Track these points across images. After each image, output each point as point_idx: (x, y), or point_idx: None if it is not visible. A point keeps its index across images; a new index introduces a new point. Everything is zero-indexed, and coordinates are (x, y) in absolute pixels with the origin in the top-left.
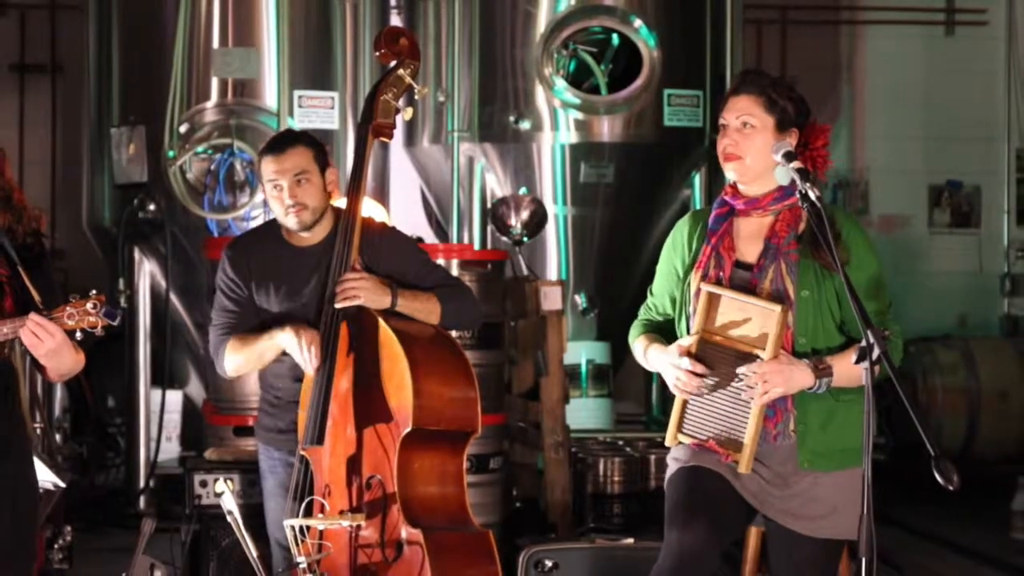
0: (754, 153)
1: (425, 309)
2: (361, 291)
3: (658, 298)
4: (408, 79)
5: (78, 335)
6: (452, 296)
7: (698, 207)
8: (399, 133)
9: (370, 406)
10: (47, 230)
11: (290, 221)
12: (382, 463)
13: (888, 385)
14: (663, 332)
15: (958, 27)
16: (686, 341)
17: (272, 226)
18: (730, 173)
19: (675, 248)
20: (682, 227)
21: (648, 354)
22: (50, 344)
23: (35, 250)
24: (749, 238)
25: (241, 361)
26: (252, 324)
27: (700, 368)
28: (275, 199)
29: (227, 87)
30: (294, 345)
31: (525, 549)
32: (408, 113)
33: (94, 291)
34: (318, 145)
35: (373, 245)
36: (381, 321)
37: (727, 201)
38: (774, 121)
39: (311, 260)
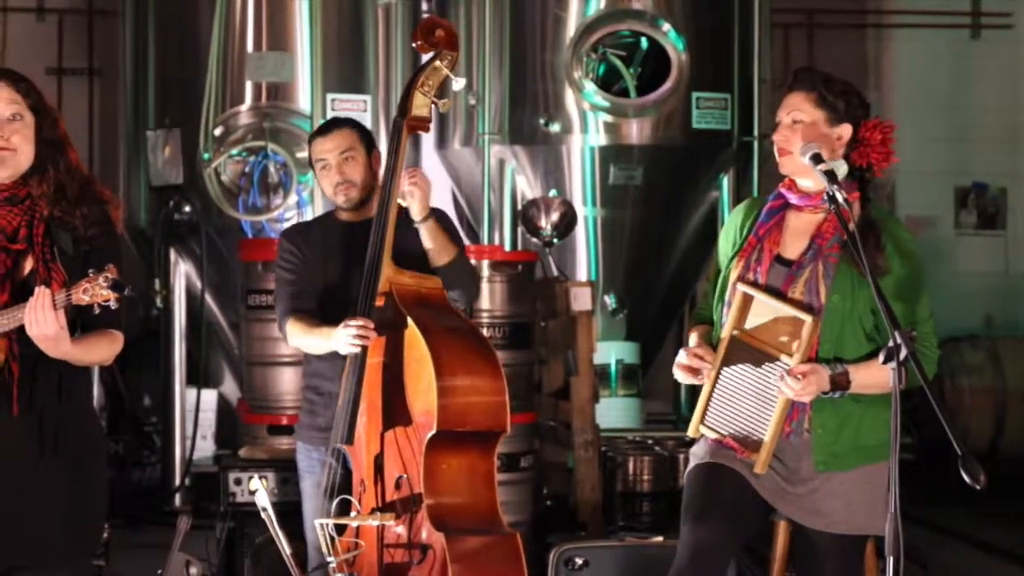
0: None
1: (445, 246)
2: (420, 190)
3: (714, 285)
4: (445, 70)
5: (96, 310)
6: (466, 258)
7: (726, 209)
8: (430, 135)
9: (397, 407)
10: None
11: (339, 198)
12: (410, 464)
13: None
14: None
15: (984, 30)
16: (693, 342)
17: (328, 214)
18: (783, 168)
19: (727, 235)
20: (737, 214)
21: None
22: (44, 330)
23: (98, 242)
24: (797, 234)
25: (301, 344)
26: (315, 292)
27: (695, 363)
28: (324, 178)
29: (261, 91)
30: (343, 343)
31: (555, 547)
32: (445, 105)
33: (109, 264)
34: (364, 129)
35: (403, 220)
36: (410, 321)
37: (783, 194)
38: (823, 116)
39: (361, 236)
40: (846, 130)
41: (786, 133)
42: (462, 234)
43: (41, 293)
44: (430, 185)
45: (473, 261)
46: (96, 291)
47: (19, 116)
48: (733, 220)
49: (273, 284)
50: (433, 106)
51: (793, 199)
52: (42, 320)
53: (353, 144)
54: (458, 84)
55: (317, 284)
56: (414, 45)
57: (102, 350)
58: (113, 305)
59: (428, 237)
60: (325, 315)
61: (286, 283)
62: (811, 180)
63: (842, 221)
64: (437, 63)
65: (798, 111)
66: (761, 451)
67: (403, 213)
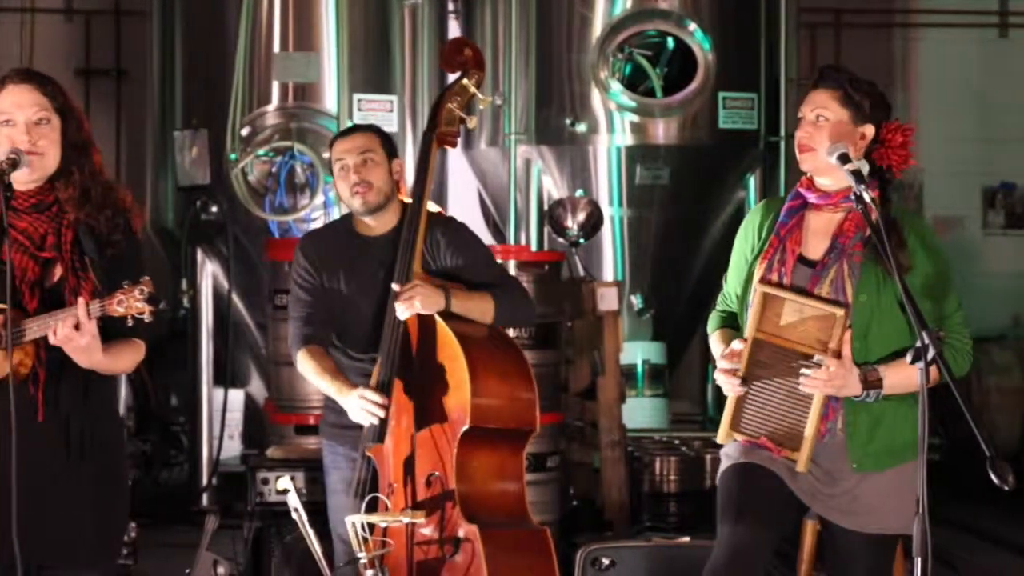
0: (826, 146)
1: (479, 308)
2: (416, 298)
3: (731, 287)
4: (472, 89)
5: (129, 322)
6: (506, 295)
7: (763, 201)
8: None
9: (429, 405)
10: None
11: (356, 202)
12: (441, 461)
13: (943, 385)
14: (737, 324)
15: (1012, 29)
16: (738, 345)
17: (344, 220)
18: (804, 164)
19: (746, 237)
20: (754, 216)
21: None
22: (78, 342)
23: (120, 247)
24: (817, 233)
25: (309, 376)
26: (329, 317)
27: (728, 364)
28: (342, 180)
29: (288, 91)
30: (357, 412)
31: (582, 547)
32: (472, 122)
33: (145, 277)
34: (386, 135)
35: (436, 237)
36: (440, 321)
37: (801, 193)
38: (849, 115)
39: (378, 251)
40: (869, 130)
41: (809, 130)
42: (488, 235)
43: (80, 305)
44: (424, 287)
45: (499, 262)
46: (131, 303)
47: (46, 120)
48: (750, 222)
49: None
50: (461, 123)
51: (812, 198)
52: (74, 335)
53: (373, 147)
54: (484, 103)
55: (334, 303)
56: (442, 64)
57: (127, 359)
58: (147, 319)
59: (463, 312)
60: (343, 332)
61: (300, 303)
62: (830, 179)
63: (869, 221)
64: (465, 81)
65: (823, 108)
66: (802, 449)
67: (431, 230)
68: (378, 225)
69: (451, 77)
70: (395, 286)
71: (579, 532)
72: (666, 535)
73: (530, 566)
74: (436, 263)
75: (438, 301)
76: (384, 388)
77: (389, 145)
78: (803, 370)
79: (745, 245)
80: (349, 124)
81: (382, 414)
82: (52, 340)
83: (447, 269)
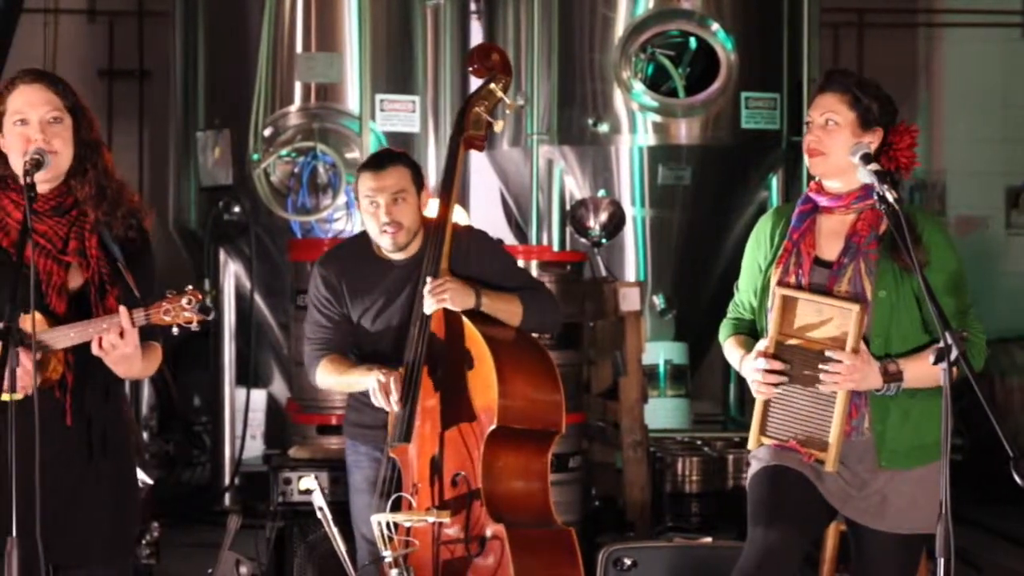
0: (836, 149)
1: (507, 311)
2: (447, 293)
3: (743, 295)
4: (499, 93)
5: (174, 331)
6: (534, 299)
7: (770, 209)
8: None
9: (456, 405)
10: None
11: (384, 241)
12: (467, 461)
13: (966, 385)
14: (751, 331)
15: None
16: (762, 344)
17: (364, 238)
18: (815, 169)
19: (758, 244)
20: (764, 223)
21: (740, 362)
22: (123, 351)
23: (136, 245)
24: (830, 236)
25: (331, 384)
26: (346, 341)
27: (777, 365)
28: (371, 216)
29: (310, 91)
30: (376, 392)
31: (604, 548)
32: (499, 126)
33: (189, 286)
34: (416, 166)
35: (460, 248)
36: (467, 321)
37: (811, 198)
38: (857, 119)
39: (403, 273)
40: (878, 134)
41: (819, 134)
42: (510, 235)
43: (123, 314)
44: (456, 283)
45: (521, 262)
46: (178, 312)
47: (59, 119)
48: (761, 229)
49: None
50: (488, 127)
51: (824, 201)
52: (120, 343)
53: (406, 185)
54: (511, 108)
55: (361, 329)
56: (470, 69)
57: (152, 364)
58: (195, 327)
59: (492, 314)
60: (364, 355)
61: (318, 327)
62: (841, 181)
63: (894, 221)
64: (492, 86)
65: (832, 112)
66: (829, 449)
67: (455, 242)
68: (404, 253)
69: (476, 80)
70: (428, 279)
71: (601, 532)
72: (688, 535)
73: (556, 566)
74: (462, 271)
75: (468, 299)
76: (409, 387)
77: (419, 177)
78: (821, 369)
79: (757, 252)
80: (371, 125)
81: (396, 397)
82: (95, 349)
83: (474, 277)
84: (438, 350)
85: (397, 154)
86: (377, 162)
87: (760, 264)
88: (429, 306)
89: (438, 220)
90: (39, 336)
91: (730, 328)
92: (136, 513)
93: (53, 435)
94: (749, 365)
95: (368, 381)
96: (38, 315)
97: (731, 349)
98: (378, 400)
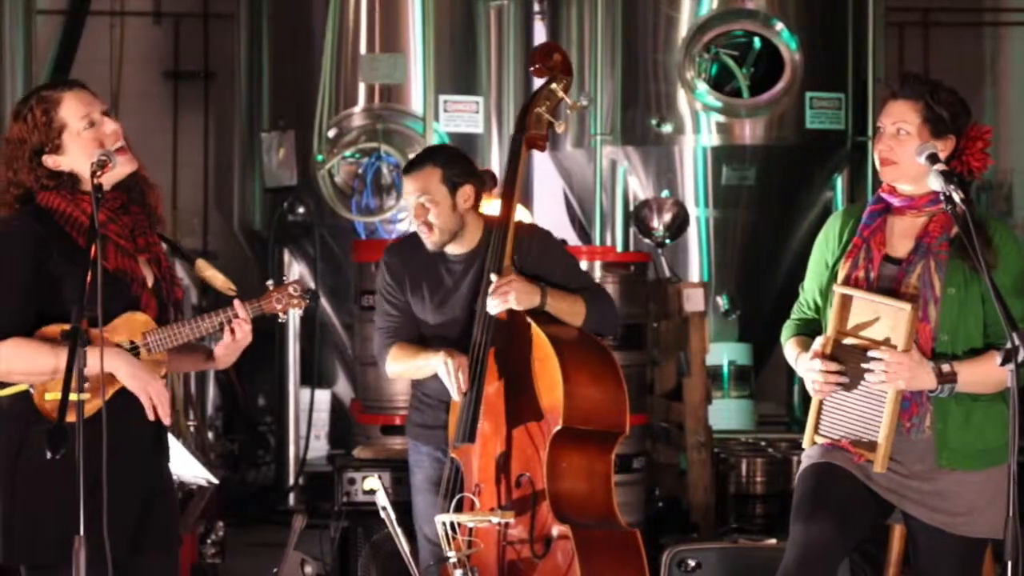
0: (908, 158)
1: (571, 311)
2: (512, 292)
3: (808, 294)
4: (560, 93)
5: (281, 318)
6: (596, 300)
7: (840, 209)
8: None
9: (521, 405)
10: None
11: (423, 238)
12: (532, 461)
13: None
14: (815, 329)
15: None
16: (818, 344)
17: None
18: (886, 177)
19: (826, 243)
20: (834, 222)
21: (796, 360)
22: (247, 340)
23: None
24: (901, 236)
25: (400, 370)
26: (414, 330)
27: (833, 366)
28: (411, 216)
29: (374, 92)
30: (443, 371)
31: (668, 548)
32: (560, 126)
33: (285, 276)
34: (451, 164)
35: (523, 246)
36: (532, 322)
37: (883, 198)
38: (930, 128)
39: (461, 267)
40: (950, 143)
41: (890, 143)
42: (574, 235)
43: (238, 307)
44: (521, 281)
45: (584, 263)
46: (288, 300)
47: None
48: (830, 228)
49: None
50: (549, 127)
51: (896, 202)
52: (247, 332)
53: (430, 188)
54: (572, 108)
55: (424, 320)
56: (531, 69)
57: None
58: (300, 313)
59: (555, 313)
60: (429, 343)
61: (387, 316)
62: (913, 186)
63: (958, 219)
64: (553, 86)
65: (903, 122)
66: (878, 450)
67: (516, 240)
68: (459, 246)
69: (538, 81)
70: (493, 277)
71: (665, 533)
72: (752, 537)
73: (621, 567)
74: (524, 269)
75: (533, 297)
76: (475, 374)
77: (453, 175)
78: (864, 366)
79: (825, 251)
80: (435, 126)
81: (464, 378)
82: (227, 339)
83: (535, 274)
84: (502, 347)
85: (431, 153)
86: (410, 164)
87: (827, 262)
88: (493, 306)
89: (501, 219)
90: (152, 336)
91: (792, 329)
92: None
93: (136, 433)
94: (804, 364)
95: (436, 363)
96: (144, 317)
97: (790, 349)
98: (447, 377)
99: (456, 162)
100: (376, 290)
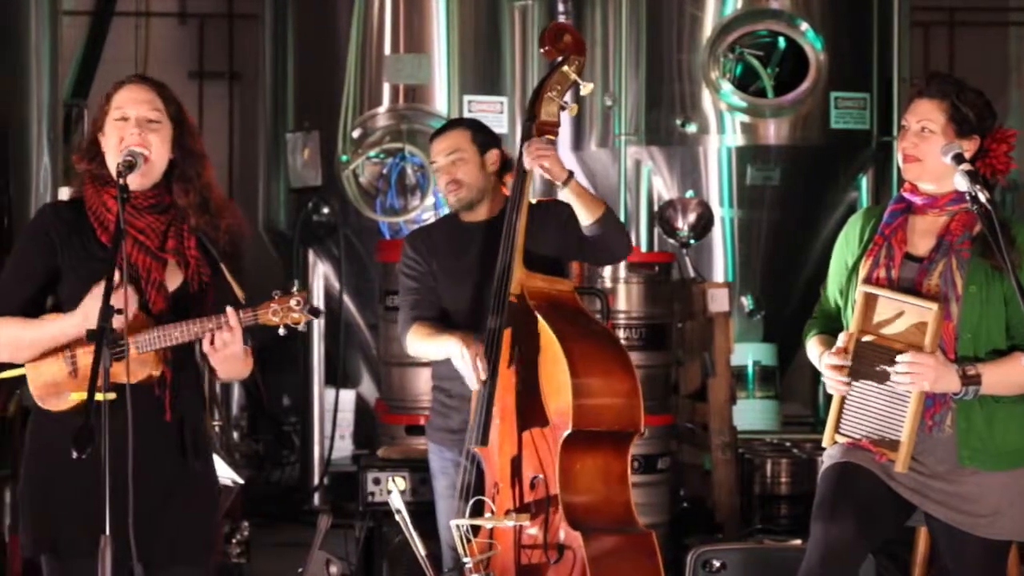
0: (932, 156)
1: (592, 202)
2: (548, 158)
3: (830, 293)
4: (573, 75)
5: (281, 331)
6: (613, 212)
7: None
8: (565, 136)
9: (532, 408)
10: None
11: (450, 199)
12: (544, 464)
13: None
14: (836, 329)
15: None
16: (841, 341)
17: (450, 215)
18: (908, 174)
19: (847, 243)
20: (855, 222)
21: (819, 359)
22: (233, 349)
23: (230, 257)
24: (923, 235)
25: (420, 349)
26: (436, 304)
27: (838, 360)
28: (438, 179)
29: (399, 93)
30: (459, 362)
31: (693, 549)
32: (573, 110)
33: (296, 287)
34: (479, 128)
35: (539, 214)
36: (543, 323)
37: (905, 197)
38: (954, 128)
39: (478, 235)
40: (974, 143)
41: (914, 140)
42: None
43: (230, 314)
44: (552, 149)
45: None
46: (286, 313)
47: (157, 121)
48: (852, 228)
49: None
50: (562, 110)
51: (918, 200)
52: (231, 340)
53: (461, 145)
54: (585, 89)
55: (441, 289)
56: (542, 50)
57: (248, 366)
58: (302, 328)
59: (574, 197)
60: (450, 320)
61: (408, 291)
62: (936, 184)
63: (986, 220)
64: (565, 68)
65: (928, 120)
66: (900, 450)
67: (533, 215)
68: (475, 214)
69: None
70: (531, 140)
71: (689, 534)
72: (777, 538)
73: (635, 570)
74: (544, 230)
75: (563, 171)
76: (489, 378)
77: (483, 138)
78: (890, 367)
79: (846, 251)
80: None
81: (483, 376)
82: (206, 347)
83: (557, 225)
84: (514, 338)
85: (459, 119)
86: (440, 128)
87: (848, 263)
88: (528, 161)
89: (513, 209)
90: (142, 336)
91: (813, 328)
92: (218, 513)
93: (151, 433)
94: (824, 361)
95: (452, 349)
96: (141, 314)
97: (811, 348)
98: (463, 367)
99: (485, 129)
100: (398, 273)
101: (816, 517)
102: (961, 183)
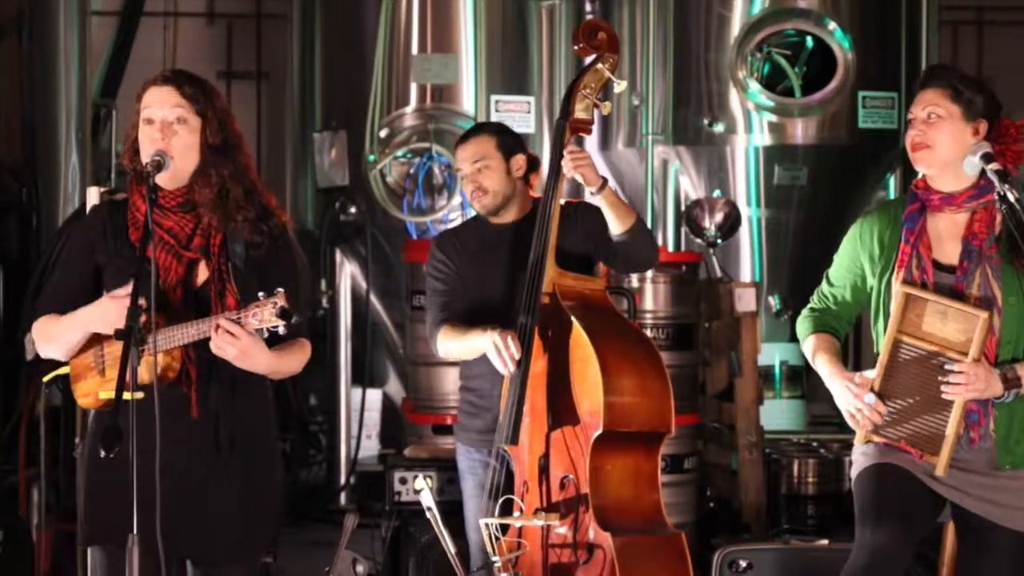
0: (941, 142)
1: (624, 211)
2: (585, 167)
3: (837, 288)
4: (607, 73)
5: (265, 334)
6: (644, 222)
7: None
8: (593, 136)
9: (563, 408)
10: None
11: (475, 205)
12: (575, 464)
13: None
14: (836, 327)
15: None
16: (871, 373)
17: (477, 217)
18: (919, 164)
19: (862, 242)
20: (871, 221)
21: (817, 363)
22: (232, 351)
23: (261, 250)
24: (944, 236)
25: (451, 349)
26: (464, 305)
27: (883, 409)
28: (464, 186)
29: (426, 92)
30: (492, 350)
31: (719, 549)
32: (606, 108)
33: (279, 289)
34: (504, 133)
35: (569, 216)
36: (575, 321)
37: (919, 196)
38: (961, 111)
39: (504, 237)
40: (983, 126)
41: (922, 128)
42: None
43: (213, 319)
44: (589, 156)
45: None
46: (265, 316)
47: (183, 120)
48: (866, 228)
49: None
50: (595, 108)
51: (934, 200)
52: (231, 341)
53: (486, 153)
54: (619, 86)
55: (470, 291)
56: (575, 48)
57: (295, 360)
58: (282, 331)
59: (607, 205)
60: (478, 322)
61: (436, 293)
62: (947, 178)
63: (1016, 220)
64: (599, 66)
65: (934, 106)
66: (941, 453)
67: (564, 215)
68: (501, 218)
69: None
70: (571, 148)
71: (716, 534)
72: (804, 538)
73: (665, 572)
74: (574, 231)
75: (598, 177)
76: (520, 371)
77: (507, 143)
78: (942, 379)
79: (861, 248)
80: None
81: (517, 356)
82: (211, 347)
83: (587, 229)
84: (545, 335)
85: (483, 124)
86: (464, 135)
87: (863, 263)
88: (567, 170)
89: (545, 208)
90: (160, 337)
91: (811, 323)
92: (272, 515)
93: (180, 430)
94: (846, 390)
95: (484, 342)
96: (159, 316)
97: (809, 344)
98: (495, 356)
99: (509, 133)
100: (425, 275)
101: (862, 521)
102: (973, 169)
